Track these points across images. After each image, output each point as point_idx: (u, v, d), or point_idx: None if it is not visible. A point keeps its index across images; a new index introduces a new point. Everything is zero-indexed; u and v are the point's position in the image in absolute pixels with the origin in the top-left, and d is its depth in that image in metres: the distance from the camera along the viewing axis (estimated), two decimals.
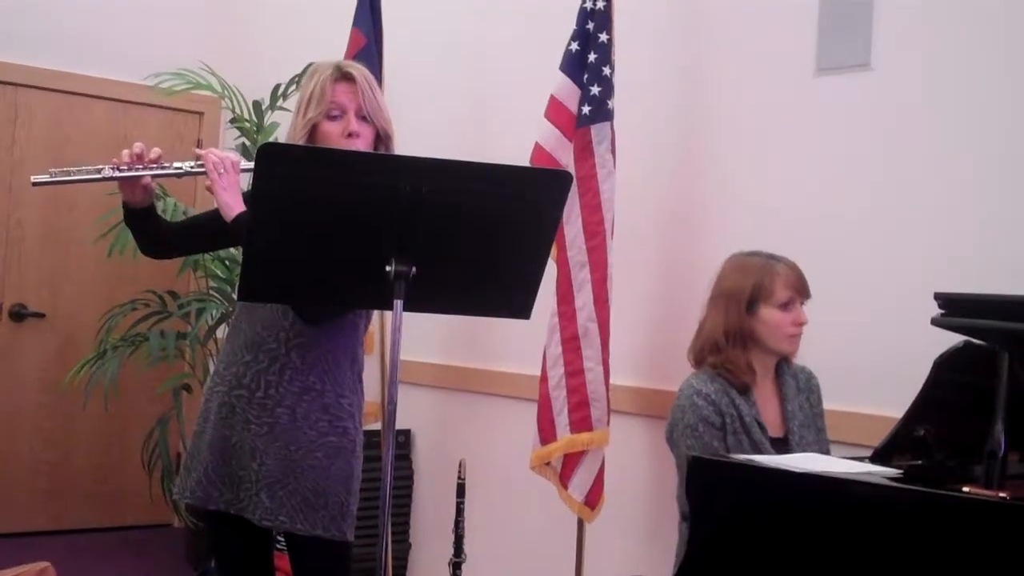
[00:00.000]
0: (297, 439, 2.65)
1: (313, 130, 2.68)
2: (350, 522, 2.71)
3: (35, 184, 2.67)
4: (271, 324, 2.69)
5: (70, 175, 2.65)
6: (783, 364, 3.01)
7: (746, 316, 2.91)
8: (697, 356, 3.00)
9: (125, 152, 2.66)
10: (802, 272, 2.94)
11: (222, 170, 2.67)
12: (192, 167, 2.69)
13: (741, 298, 2.92)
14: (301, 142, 2.68)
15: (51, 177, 2.64)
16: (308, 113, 2.67)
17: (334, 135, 2.67)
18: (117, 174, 2.64)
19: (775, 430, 2.93)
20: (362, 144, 2.68)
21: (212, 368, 5.20)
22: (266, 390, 2.67)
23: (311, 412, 2.66)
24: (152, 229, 2.84)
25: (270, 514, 2.63)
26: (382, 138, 2.74)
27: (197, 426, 2.80)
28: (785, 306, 2.90)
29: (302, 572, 2.75)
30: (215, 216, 2.75)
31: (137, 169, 2.66)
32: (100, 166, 2.65)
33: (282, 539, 2.92)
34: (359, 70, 2.74)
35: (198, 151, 2.72)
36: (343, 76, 2.70)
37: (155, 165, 2.67)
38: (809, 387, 3.04)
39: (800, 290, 2.92)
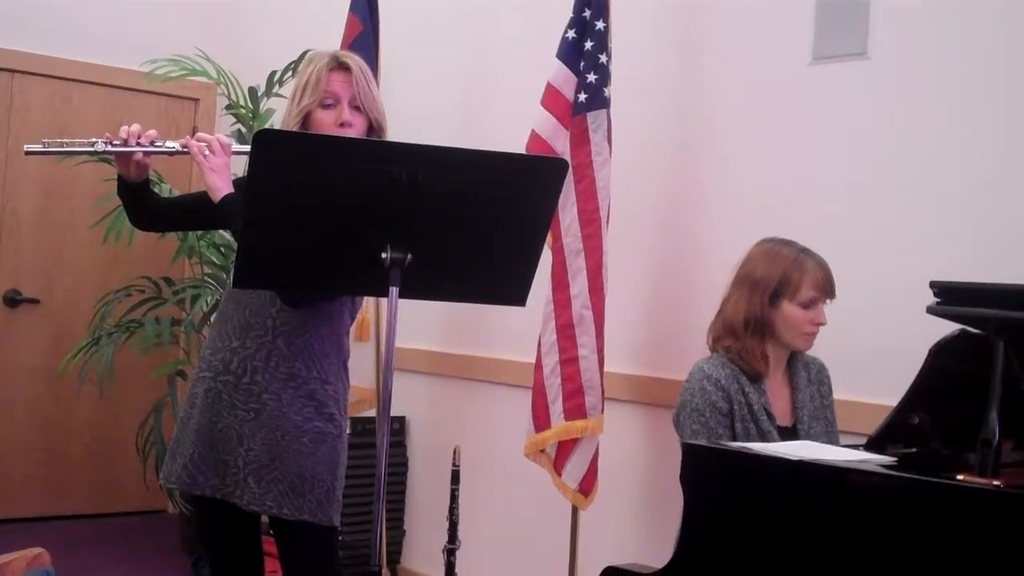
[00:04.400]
0: (283, 425, 2.68)
1: (306, 118, 2.71)
2: (336, 507, 2.74)
3: (28, 153, 2.71)
4: (259, 311, 2.71)
5: (63, 146, 2.70)
6: (795, 354, 2.99)
7: (768, 307, 2.87)
8: (715, 337, 2.97)
9: (123, 128, 2.69)
10: (831, 271, 2.89)
11: (207, 152, 2.69)
12: (183, 147, 2.72)
13: (766, 288, 2.87)
14: (294, 129, 2.69)
15: (44, 147, 2.68)
16: (302, 101, 2.70)
17: (327, 124, 2.70)
18: (110, 148, 2.68)
19: (784, 419, 2.92)
20: (354, 134, 2.70)
21: None
22: (252, 376, 2.69)
23: (296, 399, 2.69)
24: (143, 202, 2.85)
25: (257, 499, 2.66)
26: (375, 129, 2.76)
27: (183, 412, 2.83)
28: (807, 305, 2.87)
29: (289, 557, 2.78)
30: (205, 197, 2.75)
31: (130, 146, 2.68)
32: (93, 140, 2.69)
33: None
34: (355, 61, 2.76)
35: (184, 139, 2.73)
36: (339, 65, 2.73)
37: (147, 143, 2.69)
38: (820, 379, 3.02)
39: (825, 291, 2.87)
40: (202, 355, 2.82)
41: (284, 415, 2.68)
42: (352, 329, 2.98)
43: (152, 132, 2.72)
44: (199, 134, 2.75)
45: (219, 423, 2.72)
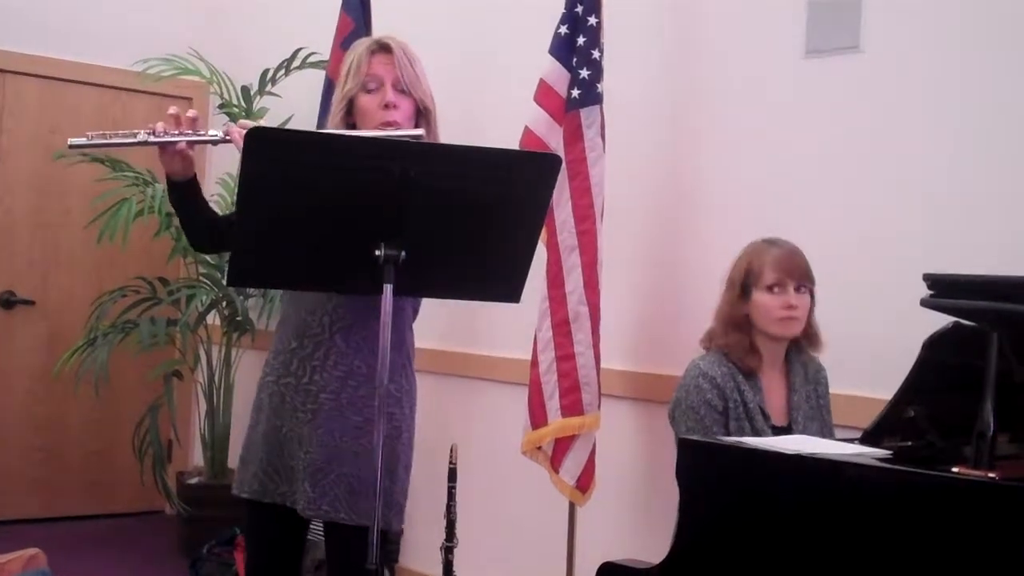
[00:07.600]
0: (341, 425, 2.62)
1: (351, 105, 2.67)
2: (396, 511, 2.68)
3: (72, 147, 2.57)
4: (315, 308, 2.66)
5: (107, 138, 2.58)
6: (792, 352, 3.00)
7: (740, 301, 2.91)
8: (706, 339, 3.01)
9: (160, 123, 2.53)
10: (799, 256, 2.91)
11: None
12: (225, 135, 2.58)
13: (736, 283, 2.94)
14: (339, 117, 2.66)
15: (88, 140, 2.56)
16: (346, 86, 2.65)
17: (371, 108, 2.64)
18: (152, 139, 2.52)
19: (779, 418, 2.93)
20: (401, 116, 2.65)
21: (204, 355, 5.22)
22: (311, 376, 2.64)
23: (356, 398, 2.63)
24: (197, 209, 2.68)
25: (312, 504, 2.60)
26: (422, 112, 2.71)
27: (251, 418, 2.78)
28: (772, 288, 2.89)
29: (336, 559, 2.70)
30: None
31: (172, 135, 2.52)
32: (136, 131, 2.55)
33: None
34: (397, 43, 2.71)
35: (226, 127, 2.62)
36: (380, 48, 2.68)
37: (190, 132, 2.54)
38: (817, 379, 3.02)
39: (790, 272, 2.88)
40: (267, 359, 2.77)
41: (343, 415, 2.62)
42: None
43: (193, 111, 2.56)
44: (240, 121, 2.67)
45: (283, 427, 2.67)
